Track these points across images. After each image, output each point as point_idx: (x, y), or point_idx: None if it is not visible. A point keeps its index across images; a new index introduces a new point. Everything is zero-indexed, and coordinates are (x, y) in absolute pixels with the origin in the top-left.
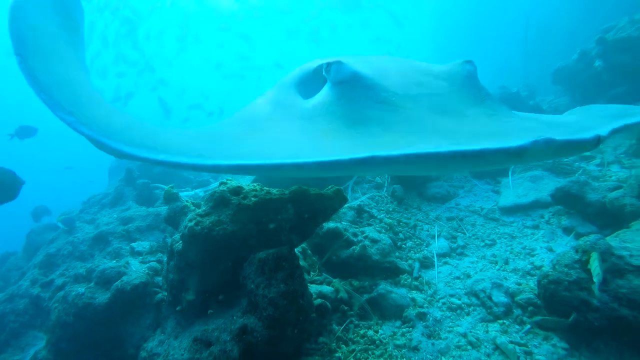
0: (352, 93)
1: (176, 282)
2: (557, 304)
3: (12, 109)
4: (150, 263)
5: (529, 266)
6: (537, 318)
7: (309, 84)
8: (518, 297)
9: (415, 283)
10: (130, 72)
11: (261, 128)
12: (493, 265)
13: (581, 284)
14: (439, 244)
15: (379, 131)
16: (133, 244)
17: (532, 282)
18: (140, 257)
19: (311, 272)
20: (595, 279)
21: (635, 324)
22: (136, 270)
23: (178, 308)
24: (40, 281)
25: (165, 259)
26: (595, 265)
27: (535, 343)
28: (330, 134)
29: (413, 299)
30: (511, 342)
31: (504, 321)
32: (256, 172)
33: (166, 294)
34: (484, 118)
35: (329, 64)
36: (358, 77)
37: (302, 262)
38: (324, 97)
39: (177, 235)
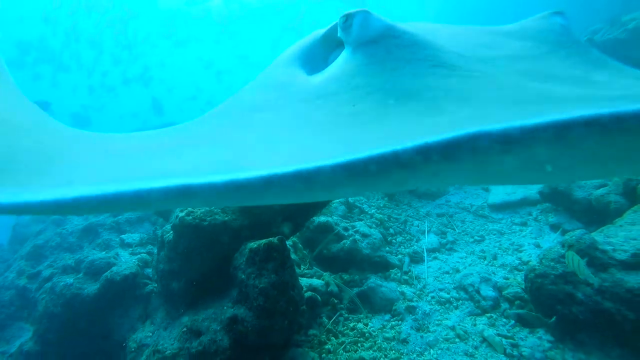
0: (391, 55)
1: (166, 272)
2: (544, 297)
3: None
4: (140, 255)
5: (517, 261)
6: (521, 311)
7: (317, 58)
8: (506, 291)
9: (405, 277)
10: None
11: (240, 123)
12: (482, 260)
13: (567, 278)
14: (429, 240)
15: (451, 106)
16: (123, 236)
17: (519, 277)
18: (130, 249)
19: (302, 266)
20: (584, 273)
21: (617, 317)
22: (126, 261)
23: (168, 298)
24: (27, 272)
25: (155, 250)
26: (576, 260)
27: (522, 336)
28: (360, 117)
29: (402, 293)
30: (498, 334)
31: (492, 314)
32: (218, 199)
33: (156, 285)
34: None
35: (348, 17)
36: (397, 32)
37: (293, 256)
38: (341, 67)
39: (168, 226)
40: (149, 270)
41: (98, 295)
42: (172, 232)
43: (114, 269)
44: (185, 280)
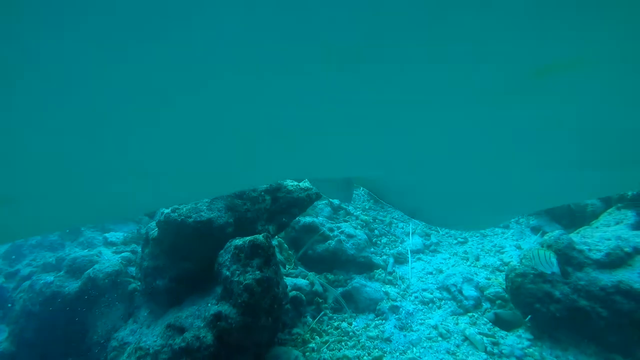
0: None
1: (151, 269)
2: (523, 296)
3: None
4: (124, 253)
5: (499, 262)
6: (498, 310)
7: None
8: (487, 291)
9: (389, 278)
10: None
11: None
12: (464, 261)
13: (545, 277)
14: (413, 241)
15: None
16: (106, 235)
17: (501, 277)
18: (114, 248)
19: (287, 266)
20: (550, 262)
21: (592, 314)
22: (109, 259)
23: (152, 296)
24: (4, 271)
25: (139, 249)
26: (545, 254)
27: (502, 334)
28: None
29: (386, 293)
30: (479, 333)
31: (474, 314)
32: None
33: (139, 283)
34: None
35: None
36: None
37: (278, 256)
38: None
39: (153, 223)
40: (132, 269)
41: (79, 293)
42: (157, 229)
43: (97, 266)
44: (170, 277)
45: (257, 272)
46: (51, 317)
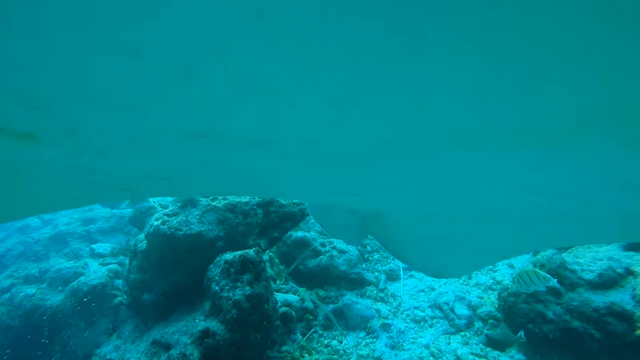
0: None
1: (137, 283)
2: (516, 316)
3: None
4: (111, 265)
5: (491, 281)
6: (490, 332)
7: None
8: (479, 310)
9: (381, 295)
10: None
11: None
12: (457, 279)
13: (538, 297)
14: None
15: None
16: (94, 246)
17: (493, 296)
18: (101, 259)
19: (277, 281)
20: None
21: (585, 336)
22: (95, 271)
23: (138, 311)
24: None
25: (127, 261)
26: (533, 273)
27: (495, 355)
28: None
29: (378, 310)
30: (472, 353)
31: (466, 333)
32: None
33: (126, 296)
34: None
35: None
36: None
37: (269, 270)
38: None
39: (142, 235)
40: (119, 282)
41: (62, 306)
42: (145, 241)
43: (82, 279)
44: (157, 291)
45: (247, 288)
46: (31, 332)
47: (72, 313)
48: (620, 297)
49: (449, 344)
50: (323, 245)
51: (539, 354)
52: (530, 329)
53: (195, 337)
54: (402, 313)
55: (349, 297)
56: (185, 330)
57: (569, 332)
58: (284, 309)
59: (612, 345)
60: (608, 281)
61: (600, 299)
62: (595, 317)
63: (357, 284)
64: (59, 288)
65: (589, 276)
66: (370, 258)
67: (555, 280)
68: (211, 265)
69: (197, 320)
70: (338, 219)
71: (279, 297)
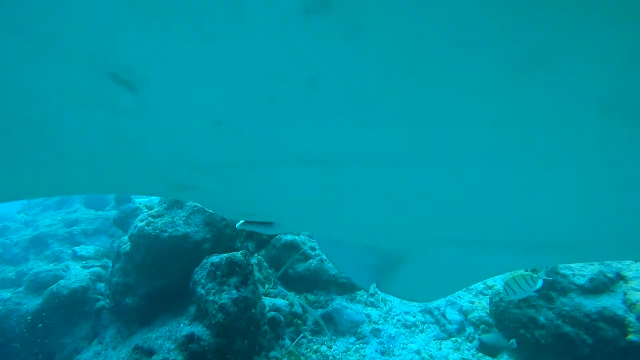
0: None
1: (120, 286)
2: (507, 321)
3: None
4: (94, 268)
5: (482, 285)
6: (482, 336)
7: None
8: (471, 315)
9: (371, 299)
10: None
11: None
12: None
13: (530, 301)
14: None
15: None
16: (76, 248)
17: (484, 301)
18: (83, 262)
19: (266, 285)
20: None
21: (577, 341)
22: (76, 274)
23: (120, 315)
24: None
25: (111, 263)
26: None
27: None
28: None
29: (368, 315)
30: (463, 359)
31: (457, 338)
32: None
33: (108, 300)
34: None
35: None
36: None
37: (257, 274)
38: None
39: (126, 237)
40: (101, 285)
41: (40, 311)
42: (129, 243)
43: (62, 282)
44: (141, 295)
45: (234, 291)
46: (5, 339)
47: (51, 318)
48: (611, 302)
49: (440, 349)
50: (313, 249)
51: (531, 359)
52: (522, 334)
53: (179, 342)
54: (393, 318)
55: (339, 301)
56: (169, 336)
57: (561, 337)
58: (272, 313)
59: (603, 350)
60: (599, 286)
61: (591, 304)
62: (586, 322)
63: (348, 288)
64: (38, 292)
65: (580, 281)
66: None
67: (541, 281)
68: (197, 268)
69: (181, 325)
70: (352, 254)
71: (267, 301)
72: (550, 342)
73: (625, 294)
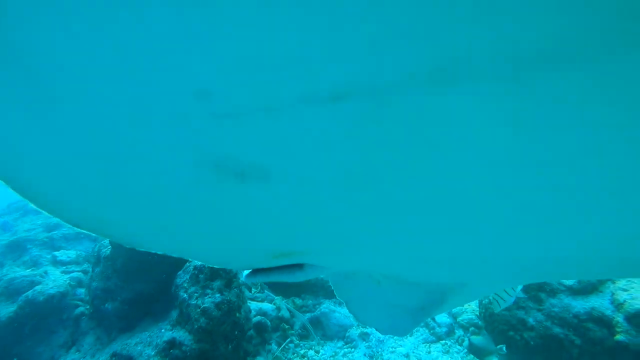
0: None
1: (100, 291)
2: (497, 323)
3: None
4: (74, 273)
5: None
6: (472, 337)
7: None
8: (460, 318)
9: None
10: None
11: None
12: None
13: (519, 303)
14: None
15: None
16: (56, 253)
17: (474, 304)
18: (63, 267)
19: (252, 289)
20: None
21: (566, 342)
22: (55, 279)
23: (100, 321)
24: None
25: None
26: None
27: None
28: None
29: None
30: None
31: (446, 341)
32: None
33: (88, 306)
34: None
35: None
36: None
37: (242, 278)
38: None
39: (107, 240)
40: (82, 291)
41: (14, 318)
42: (110, 246)
43: (38, 288)
44: (122, 300)
45: (217, 295)
46: None
47: (25, 326)
48: (599, 303)
49: (429, 352)
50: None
51: None
52: (512, 337)
53: (160, 348)
54: None
55: (327, 305)
56: (149, 341)
57: (550, 338)
58: (258, 318)
59: (592, 351)
60: (588, 287)
61: (580, 305)
62: (575, 323)
63: None
64: (12, 298)
65: (569, 282)
66: None
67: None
68: (180, 272)
69: (163, 330)
70: (379, 295)
71: (254, 305)
72: (539, 344)
73: (613, 294)
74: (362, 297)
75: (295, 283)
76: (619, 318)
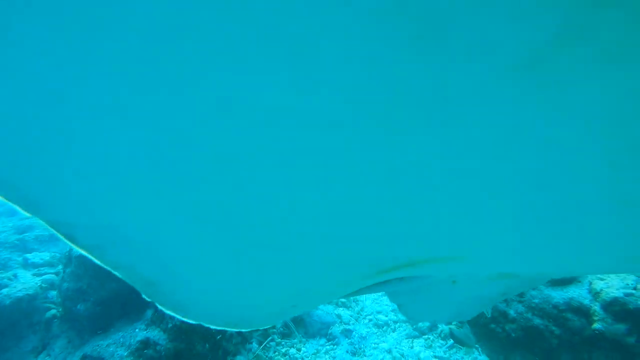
0: None
1: (72, 291)
2: (478, 316)
3: None
4: (47, 275)
5: None
6: (454, 328)
7: None
8: None
9: (343, 300)
10: None
11: None
12: None
13: None
14: None
15: None
16: (28, 255)
17: None
18: (35, 270)
19: None
20: None
21: (545, 333)
22: (24, 282)
23: (73, 324)
24: None
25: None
26: None
27: (458, 357)
28: None
29: (339, 316)
30: (435, 356)
31: (429, 336)
32: None
33: (61, 308)
34: None
35: None
36: None
37: None
38: None
39: None
40: (54, 293)
41: None
42: None
43: (5, 291)
44: (95, 300)
45: None
46: None
47: None
48: (578, 292)
49: (412, 348)
50: None
51: (502, 355)
52: (493, 329)
53: (133, 348)
54: (365, 318)
55: None
56: (122, 342)
57: (531, 330)
58: None
59: (571, 340)
60: (567, 277)
61: (559, 295)
62: (555, 314)
63: None
64: None
65: None
66: None
67: None
68: None
69: (137, 330)
70: (452, 293)
71: None
72: (520, 336)
73: (590, 283)
74: (427, 298)
75: None
76: (596, 307)
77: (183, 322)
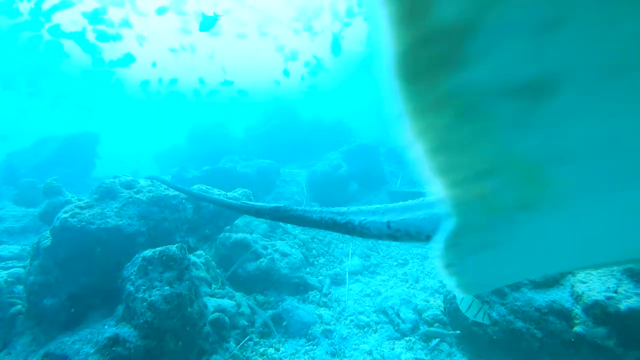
0: None
1: (39, 285)
2: (461, 318)
3: None
4: (13, 269)
5: (438, 284)
6: (425, 329)
7: None
8: (425, 314)
9: (325, 300)
10: None
11: None
12: (404, 283)
13: (483, 297)
14: (353, 262)
15: None
16: None
17: (440, 300)
18: (2, 263)
19: (213, 285)
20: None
21: (527, 336)
22: None
23: (39, 319)
24: None
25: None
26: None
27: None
28: None
29: (320, 316)
30: (416, 359)
31: (410, 338)
32: None
33: (26, 303)
34: None
35: None
36: None
37: (204, 274)
38: None
39: (47, 232)
40: (20, 288)
41: None
42: (50, 237)
43: None
44: (63, 295)
45: (166, 288)
46: None
47: None
48: (560, 295)
49: (393, 349)
50: (265, 247)
51: (483, 357)
52: (475, 332)
53: (100, 345)
54: (346, 319)
55: (290, 302)
56: (89, 339)
57: (513, 332)
58: (216, 314)
59: (552, 343)
60: (550, 280)
61: (542, 298)
62: (537, 317)
63: (300, 288)
64: None
65: (533, 276)
66: (316, 262)
67: None
68: (128, 264)
69: (106, 327)
70: None
71: (213, 302)
72: (502, 338)
73: (572, 286)
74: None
75: (258, 279)
76: (578, 310)
77: (155, 317)
